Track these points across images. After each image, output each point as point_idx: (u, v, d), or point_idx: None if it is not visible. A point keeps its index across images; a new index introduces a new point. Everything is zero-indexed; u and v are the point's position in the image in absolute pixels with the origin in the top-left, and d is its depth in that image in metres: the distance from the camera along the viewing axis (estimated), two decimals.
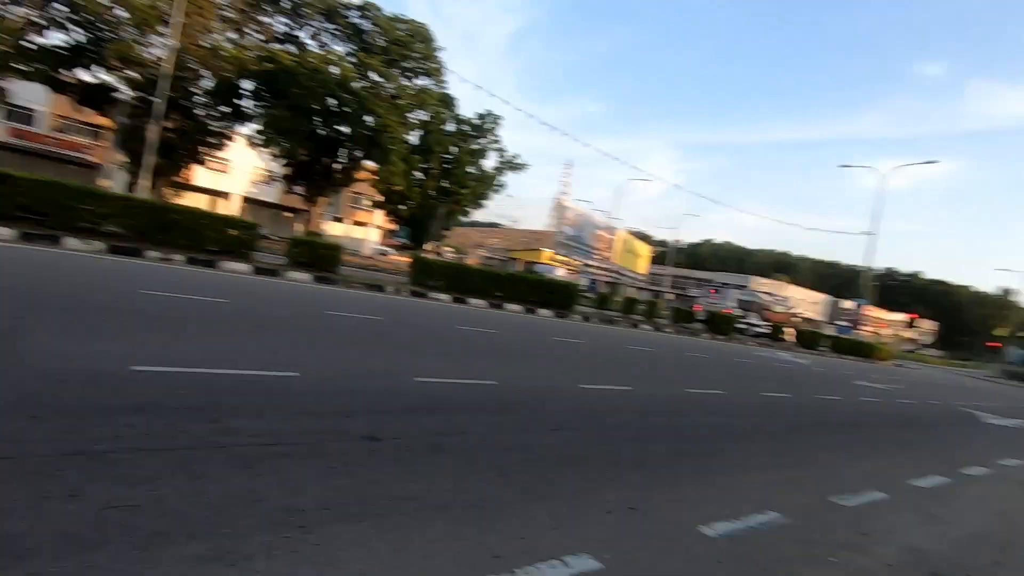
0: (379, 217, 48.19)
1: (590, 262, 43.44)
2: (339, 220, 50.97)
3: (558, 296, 19.77)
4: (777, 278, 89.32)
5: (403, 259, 33.10)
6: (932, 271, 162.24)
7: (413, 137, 38.10)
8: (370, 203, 42.92)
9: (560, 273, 52.15)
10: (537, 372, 8.12)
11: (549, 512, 3.41)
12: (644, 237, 74.88)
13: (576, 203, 47.84)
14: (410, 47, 30.63)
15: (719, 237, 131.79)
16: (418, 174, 38.47)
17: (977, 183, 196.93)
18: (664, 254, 79.80)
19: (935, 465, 7.39)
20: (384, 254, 52.29)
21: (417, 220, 37.26)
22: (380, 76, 30.03)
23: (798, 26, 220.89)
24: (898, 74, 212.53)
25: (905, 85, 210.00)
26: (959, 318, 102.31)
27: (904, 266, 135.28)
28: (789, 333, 36.32)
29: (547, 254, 51.40)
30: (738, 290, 42.24)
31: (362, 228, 55.62)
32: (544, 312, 18.93)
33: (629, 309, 25.61)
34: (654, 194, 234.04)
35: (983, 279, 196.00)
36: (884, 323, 75.92)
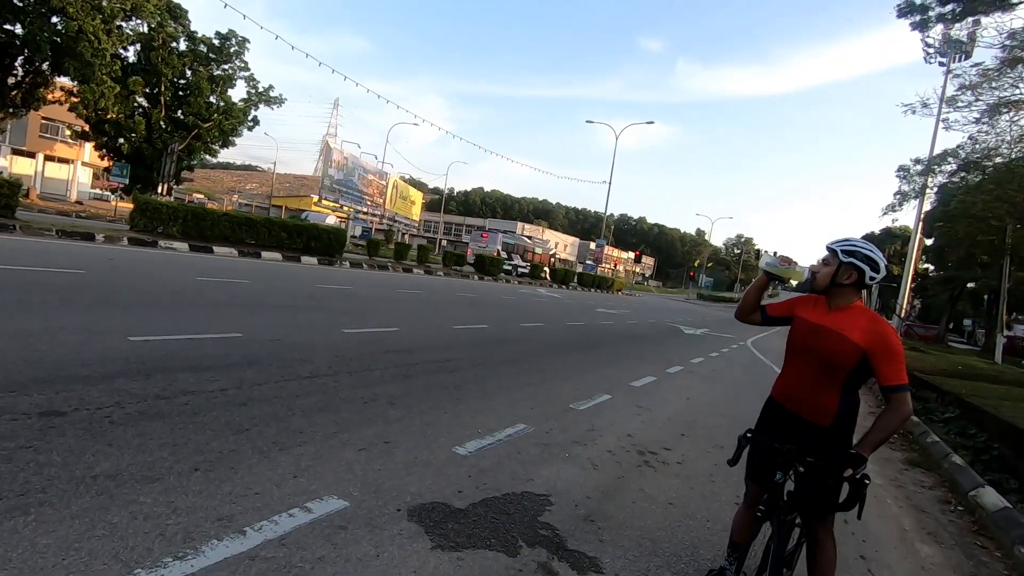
0: (91, 154, 38.46)
1: (362, 208, 41.61)
2: (24, 153, 39.31)
3: (323, 243, 18.45)
4: (538, 223, 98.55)
5: (129, 206, 27.21)
6: (652, 216, 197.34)
7: (130, 53, 30.77)
8: (71, 134, 33.88)
9: (331, 220, 49.06)
10: (296, 320, 7.46)
11: (293, 461, 3.13)
12: (417, 184, 74.67)
13: (344, 145, 44.89)
14: None
15: (488, 185, 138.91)
16: (141, 100, 31.44)
17: (683, 145, 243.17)
18: (438, 201, 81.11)
19: (649, 368, 9.05)
20: (105, 200, 42.10)
21: (143, 157, 30.66)
22: None
23: None
24: (628, 46, 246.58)
25: (634, 57, 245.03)
26: (670, 253, 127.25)
27: (634, 211, 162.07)
28: (546, 272, 40.59)
29: (315, 200, 47.56)
30: (504, 234, 45.38)
31: (66, 166, 43.87)
32: (308, 260, 17.56)
33: (401, 255, 25.41)
34: (425, 141, 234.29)
35: (686, 222, 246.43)
36: (618, 260, 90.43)
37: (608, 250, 75.14)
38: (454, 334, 8.83)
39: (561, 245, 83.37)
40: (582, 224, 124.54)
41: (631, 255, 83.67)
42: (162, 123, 31.47)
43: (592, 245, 61.01)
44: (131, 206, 15.29)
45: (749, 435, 2.30)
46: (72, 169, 43.39)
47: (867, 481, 2.04)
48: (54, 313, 5.47)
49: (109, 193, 38.93)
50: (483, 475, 3.44)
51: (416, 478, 3.21)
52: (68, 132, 35.58)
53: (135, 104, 30.77)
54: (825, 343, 2.20)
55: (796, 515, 2.35)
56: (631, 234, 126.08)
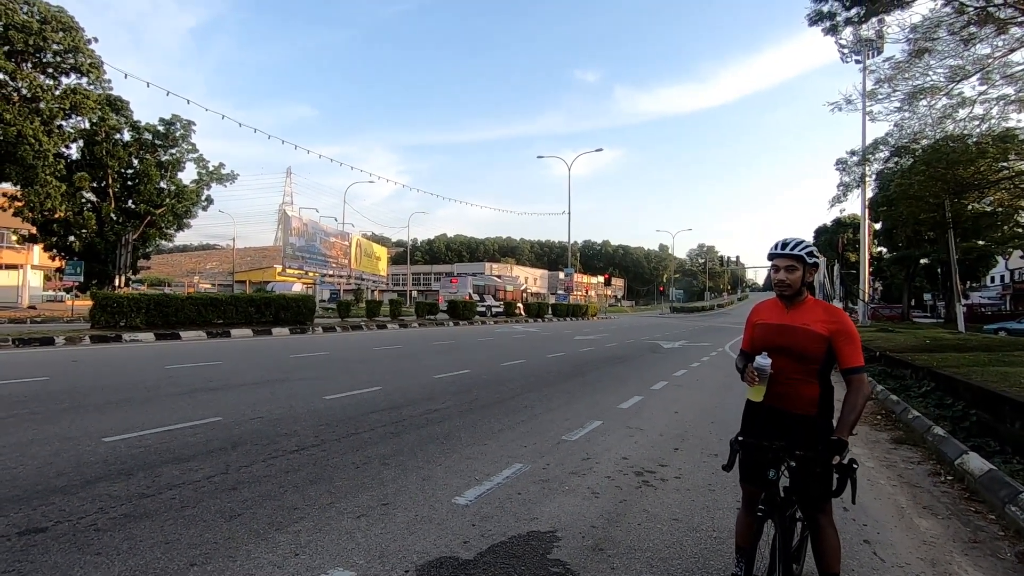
0: (40, 256, 37.48)
1: (327, 271, 41.34)
2: None
3: (293, 312, 18.22)
4: (505, 261, 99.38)
5: (86, 303, 26.44)
6: (616, 238, 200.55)
7: (73, 150, 30.46)
8: (17, 239, 33.02)
9: (297, 288, 48.39)
10: (275, 395, 7.31)
11: (292, 539, 3.06)
12: (380, 240, 74.78)
13: (301, 212, 44.88)
14: (44, 36, 24.12)
15: (451, 231, 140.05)
16: (89, 195, 30.97)
17: (634, 166, 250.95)
18: (404, 254, 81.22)
19: (634, 388, 9.13)
20: (60, 301, 40.78)
21: (97, 252, 29.98)
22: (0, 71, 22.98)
23: (489, 35, 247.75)
24: (566, 80, 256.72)
25: (573, 89, 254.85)
26: (638, 272, 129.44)
27: (596, 236, 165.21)
28: (520, 308, 40.73)
29: (279, 270, 47.03)
30: (473, 277, 45.55)
31: (14, 272, 42.61)
32: (280, 331, 17.27)
33: (373, 312, 25.22)
34: (383, 197, 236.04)
35: (649, 239, 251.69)
36: (588, 286, 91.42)
37: (577, 277, 75.99)
38: (437, 384, 8.77)
39: (531, 279, 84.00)
40: (548, 256, 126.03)
41: (600, 279, 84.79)
42: (113, 215, 30.97)
43: (561, 275, 61.70)
44: (88, 303, 14.90)
45: (740, 439, 2.38)
46: (21, 274, 42.11)
47: (855, 465, 2.14)
48: (21, 426, 5.26)
49: (64, 293, 37.75)
50: (486, 522, 3.42)
51: (420, 536, 3.17)
52: (14, 237, 34.69)
53: (83, 200, 30.28)
54: (795, 340, 2.35)
55: (796, 509, 2.41)
56: (597, 259, 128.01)
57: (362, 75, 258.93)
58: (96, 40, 27.03)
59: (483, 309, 36.42)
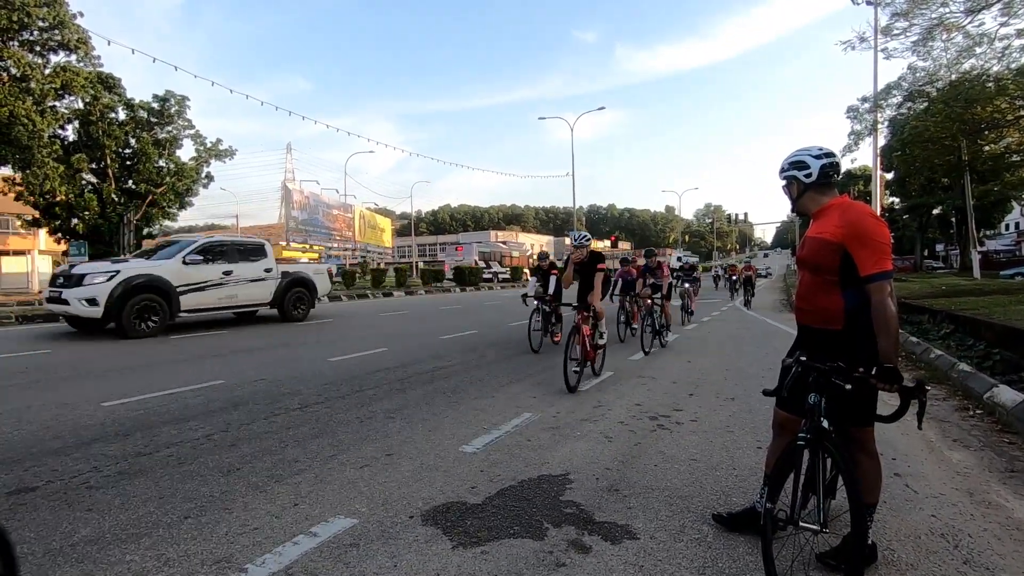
0: (47, 241, 37.45)
1: (331, 244, 41.13)
2: None
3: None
4: (510, 229, 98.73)
5: None
6: (621, 201, 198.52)
7: (69, 132, 30.10)
8: (22, 223, 33.01)
9: (304, 262, 48.27)
10: (279, 358, 7.19)
11: (292, 490, 2.92)
12: (384, 212, 74.25)
13: (302, 184, 44.41)
14: (27, 11, 23.47)
15: (454, 201, 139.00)
16: (89, 176, 30.72)
17: (637, 127, 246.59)
18: (408, 225, 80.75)
19: (645, 342, 8.94)
20: None
21: (101, 234, 29.90)
22: None
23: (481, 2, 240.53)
24: (565, 41, 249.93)
25: (573, 50, 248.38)
26: (644, 235, 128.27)
27: (602, 200, 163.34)
28: (527, 273, 40.50)
29: (284, 245, 46.83)
30: (479, 245, 45.28)
31: (22, 258, 42.77)
32: None
33: (378, 281, 25.11)
34: (384, 169, 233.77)
35: (654, 201, 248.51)
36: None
37: None
38: (444, 344, 8.63)
39: (537, 246, 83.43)
40: (554, 222, 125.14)
41: (607, 243, 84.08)
42: (114, 196, 30.76)
43: (567, 240, 61.19)
44: None
45: (802, 358, 2.16)
46: (29, 260, 42.28)
47: (927, 387, 1.93)
48: (20, 394, 5.16)
49: None
50: (495, 467, 3.27)
51: (425, 483, 3.03)
52: (19, 223, 34.66)
53: (83, 182, 30.06)
54: (808, 251, 2.22)
55: (835, 439, 2.21)
56: (603, 223, 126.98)
57: (356, 44, 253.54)
58: (82, 15, 26.31)
59: (489, 276, 36.24)
